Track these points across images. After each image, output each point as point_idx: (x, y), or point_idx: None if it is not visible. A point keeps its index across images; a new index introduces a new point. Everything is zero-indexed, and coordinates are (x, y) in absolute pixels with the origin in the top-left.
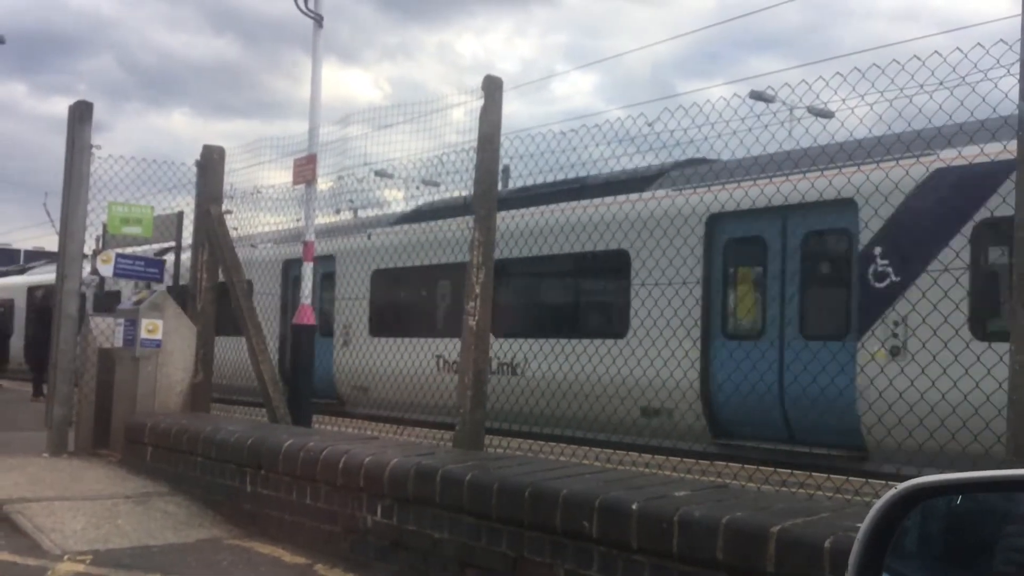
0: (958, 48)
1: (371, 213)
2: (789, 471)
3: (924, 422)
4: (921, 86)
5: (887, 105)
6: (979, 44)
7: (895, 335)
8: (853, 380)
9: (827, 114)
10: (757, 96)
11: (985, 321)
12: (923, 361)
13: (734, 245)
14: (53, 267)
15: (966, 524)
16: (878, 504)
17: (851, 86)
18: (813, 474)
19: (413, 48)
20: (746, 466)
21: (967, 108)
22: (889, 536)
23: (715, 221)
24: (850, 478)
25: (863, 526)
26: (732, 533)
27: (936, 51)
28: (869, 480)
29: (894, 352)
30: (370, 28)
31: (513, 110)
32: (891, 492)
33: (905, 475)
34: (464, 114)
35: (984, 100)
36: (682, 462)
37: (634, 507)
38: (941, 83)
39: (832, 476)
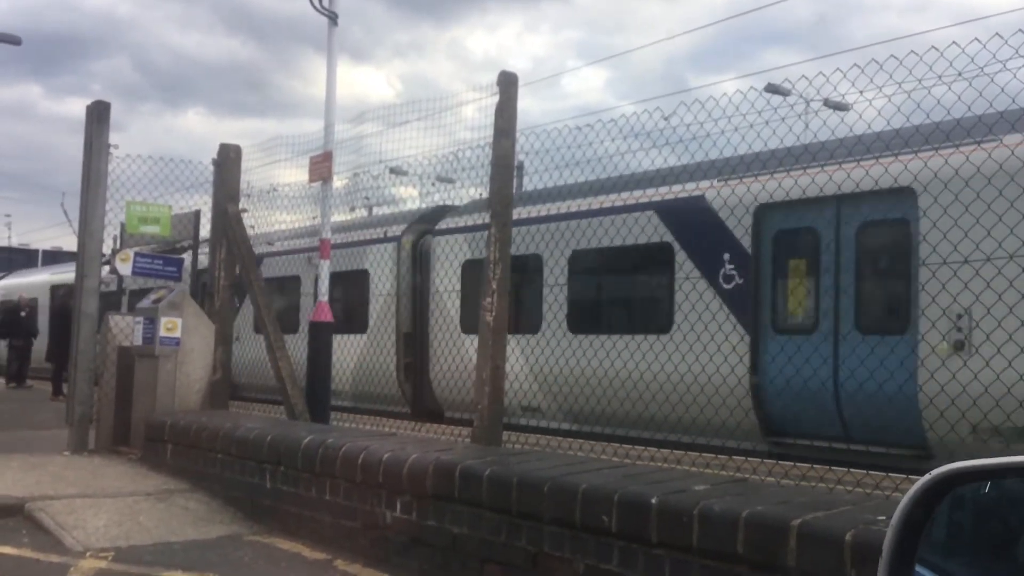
0: (976, 39)
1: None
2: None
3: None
4: (939, 77)
5: (905, 97)
6: (997, 34)
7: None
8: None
9: (843, 107)
10: (773, 89)
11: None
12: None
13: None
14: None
15: (993, 512)
16: (911, 490)
17: (869, 78)
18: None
19: (424, 45)
20: None
21: (986, 99)
22: (922, 524)
23: (199, 274)
24: (870, 472)
25: (896, 513)
26: (752, 527)
27: (954, 42)
28: (889, 474)
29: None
30: (382, 26)
31: (525, 106)
32: (924, 478)
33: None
34: (476, 111)
35: (1003, 90)
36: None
37: (654, 501)
38: (960, 74)
39: (852, 470)
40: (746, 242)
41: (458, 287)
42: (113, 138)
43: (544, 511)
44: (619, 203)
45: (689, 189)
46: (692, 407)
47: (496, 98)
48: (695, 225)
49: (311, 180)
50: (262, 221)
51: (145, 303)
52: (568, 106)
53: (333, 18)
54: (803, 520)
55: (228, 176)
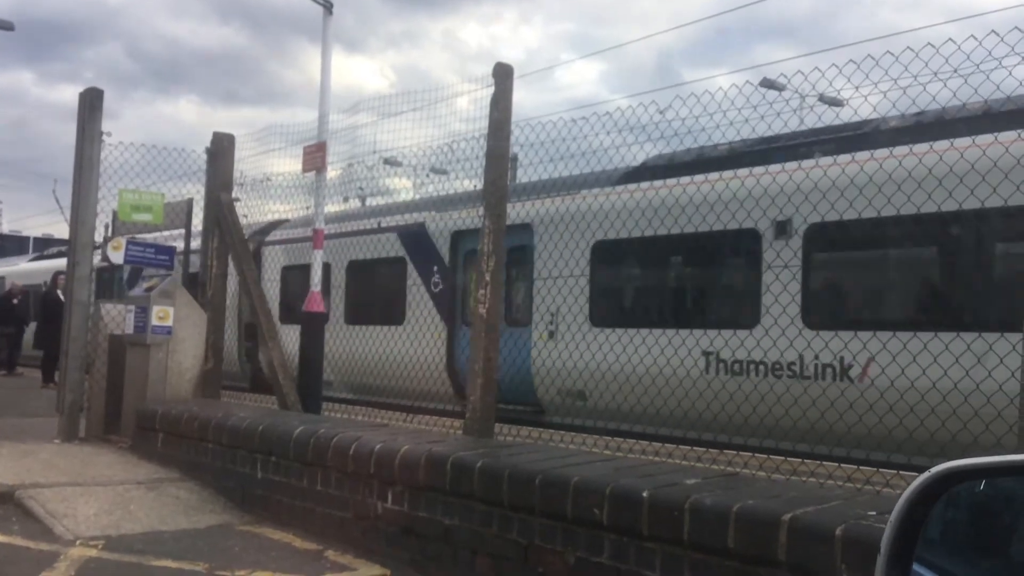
0: (972, 36)
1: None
2: None
3: None
4: (935, 74)
5: (900, 93)
6: (993, 31)
7: None
8: None
9: (838, 102)
10: (768, 84)
11: None
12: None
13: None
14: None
15: (989, 510)
16: (908, 489)
17: (864, 73)
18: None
19: (418, 36)
20: None
21: (981, 96)
22: (919, 522)
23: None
24: (860, 467)
25: (894, 511)
26: (743, 521)
27: (950, 38)
28: (880, 469)
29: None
30: (375, 16)
31: (519, 99)
32: (921, 477)
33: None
34: (469, 102)
35: (999, 88)
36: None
37: (645, 495)
38: (955, 71)
39: (843, 465)
40: (447, 258)
41: (279, 286)
42: (105, 125)
43: (535, 503)
44: (377, 226)
45: (416, 218)
46: (417, 379)
47: (490, 90)
48: (418, 245)
49: (305, 170)
50: (255, 210)
51: (137, 291)
52: (562, 98)
53: (328, 7)
54: (794, 514)
55: (221, 165)
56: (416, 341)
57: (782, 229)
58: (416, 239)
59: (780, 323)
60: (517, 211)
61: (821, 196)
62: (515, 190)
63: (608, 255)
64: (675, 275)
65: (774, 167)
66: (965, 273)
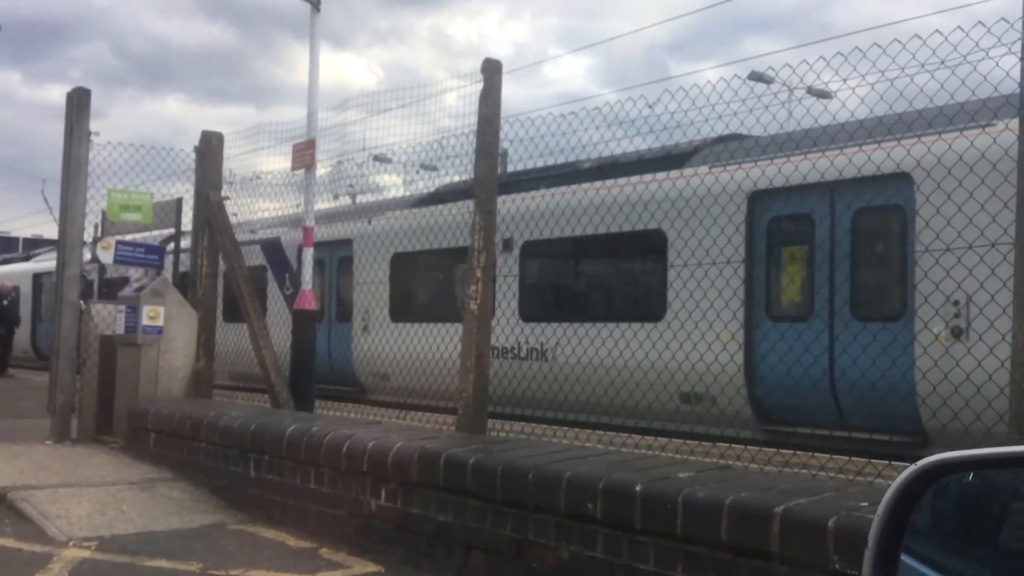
0: (959, 27)
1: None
2: None
3: None
4: (922, 65)
5: (887, 85)
6: (980, 22)
7: None
8: None
9: (826, 95)
10: (756, 77)
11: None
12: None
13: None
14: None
15: (975, 502)
16: (897, 481)
17: (852, 66)
18: (816, 455)
19: (405, 32)
20: None
21: (968, 87)
22: (907, 514)
23: (38, 278)
24: (852, 459)
25: (882, 503)
26: (736, 513)
27: (937, 30)
28: (872, 460)
29: None
30: (362, 12)
31: (508, 94)
32: (910, 469)
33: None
34: (457, 99)
35: (985, 79)
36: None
37: (638, 489)
38: (943, 62)
39: (835, 456)
40: (295, 266)
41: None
42: (93, 125)
43: (529, 499)
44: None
45: (274, 233)
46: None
47: (478, 86)
48: (275, 255)
49: (294, 168)
50: (245, 209)
51: (127, 291)
52: (550, 93)
53: (315, 3)
54: (786, 507)
55: (210, 164)
56: (273, 336)
57: (507, 245)
58: (273, 250)
59: (506, 316)
60: (339, 229)
61: (529, 219)
62: (343, 212)
63: (402, 264)
64: (443, 279)
65: (512, 196)
66: (616, 279)
